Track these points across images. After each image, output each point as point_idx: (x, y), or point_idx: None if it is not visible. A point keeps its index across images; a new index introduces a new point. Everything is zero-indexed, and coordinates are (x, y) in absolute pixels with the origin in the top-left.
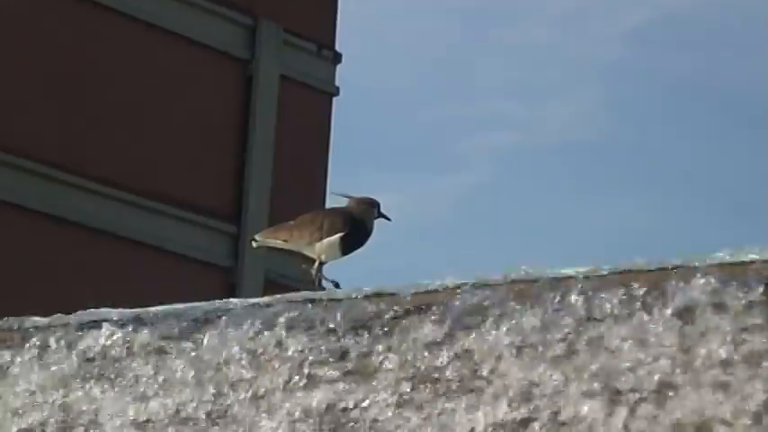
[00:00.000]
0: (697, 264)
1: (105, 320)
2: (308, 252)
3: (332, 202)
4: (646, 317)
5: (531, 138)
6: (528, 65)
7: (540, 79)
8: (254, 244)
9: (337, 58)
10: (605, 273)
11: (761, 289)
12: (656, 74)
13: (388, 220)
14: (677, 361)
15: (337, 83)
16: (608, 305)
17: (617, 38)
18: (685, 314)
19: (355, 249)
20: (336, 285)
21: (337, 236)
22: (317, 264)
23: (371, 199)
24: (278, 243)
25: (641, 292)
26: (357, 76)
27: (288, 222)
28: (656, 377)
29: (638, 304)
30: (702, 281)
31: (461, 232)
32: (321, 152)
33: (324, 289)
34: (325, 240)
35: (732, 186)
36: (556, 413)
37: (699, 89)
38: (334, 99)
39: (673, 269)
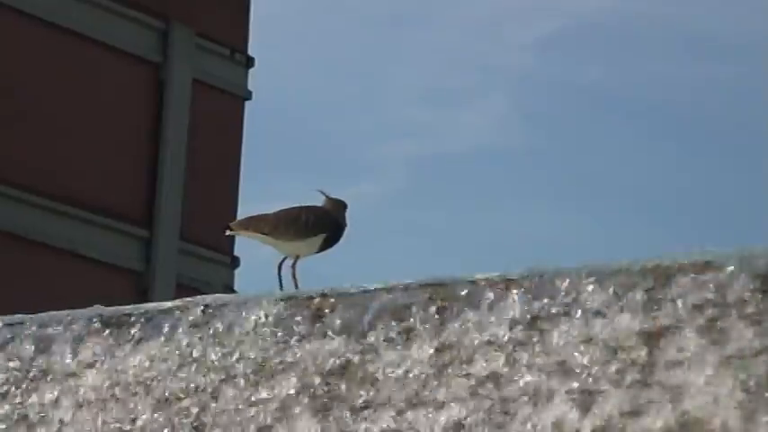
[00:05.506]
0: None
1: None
2: (285, 247)
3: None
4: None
5: (443, 145)
6: (439, 71)
7: (451, 86)
8: (227, 232)
9: (250, 62)
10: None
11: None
12: (567, 82)
13: (345, 225)
14: None
15: (250, 87)
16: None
17: (528, 46)
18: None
19: (329, 248)
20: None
21: (322, 235)
22: (294, 260)
23: (344, 201)
24: (255, 235)
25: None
26: (270, 81)
27: (266, 214)
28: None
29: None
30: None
31: (373, 240)
32: (233, 156)
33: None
34: (309, 238)
35: (643, 193)
36: None
37: (609, 97)
38: (247, 103)
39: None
